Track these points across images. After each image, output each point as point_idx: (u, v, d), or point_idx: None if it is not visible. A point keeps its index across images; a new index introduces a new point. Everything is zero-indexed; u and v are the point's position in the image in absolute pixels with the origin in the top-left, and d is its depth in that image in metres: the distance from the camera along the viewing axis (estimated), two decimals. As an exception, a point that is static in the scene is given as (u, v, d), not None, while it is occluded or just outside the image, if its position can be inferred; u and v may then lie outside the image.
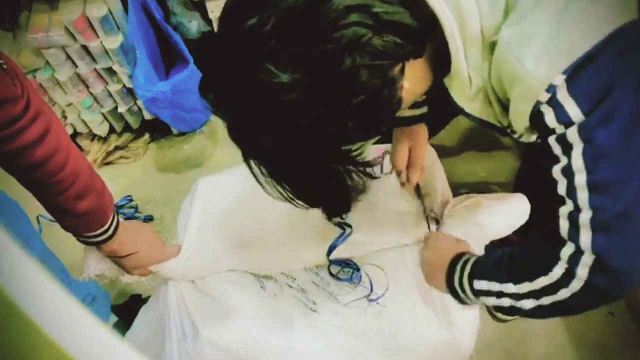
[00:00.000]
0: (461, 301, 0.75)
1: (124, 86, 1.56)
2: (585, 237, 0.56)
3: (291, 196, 0.63)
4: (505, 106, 0.62)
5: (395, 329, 0.88)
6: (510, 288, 0.65)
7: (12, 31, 1.41)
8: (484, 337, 0.96)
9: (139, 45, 1.34)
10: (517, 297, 0.65)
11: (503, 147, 1.64)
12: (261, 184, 0.63)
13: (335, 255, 0.96)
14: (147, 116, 1.67)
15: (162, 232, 1.60)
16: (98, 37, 1.39)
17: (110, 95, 1.59)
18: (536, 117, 0.56)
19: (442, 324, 0.89)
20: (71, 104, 1.57)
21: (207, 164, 1.75)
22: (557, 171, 0.57)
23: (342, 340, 0.88)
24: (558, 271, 0.59)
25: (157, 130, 1.79)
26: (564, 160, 0.55)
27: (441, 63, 0.62)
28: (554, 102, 0.53)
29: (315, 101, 0.53)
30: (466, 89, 0.63)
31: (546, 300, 0.61)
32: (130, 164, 1.78)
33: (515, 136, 0.64)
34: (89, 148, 1.75)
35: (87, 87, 1.54)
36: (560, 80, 0.52)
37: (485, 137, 1.66)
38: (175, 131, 1.78)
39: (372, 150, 1.09)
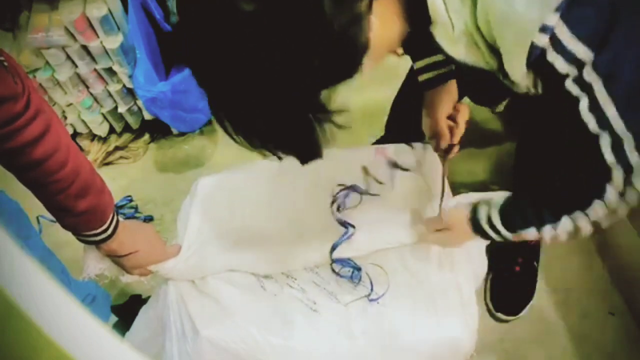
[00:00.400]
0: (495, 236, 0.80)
1: (124, 86, 1.56)
2: (635, 157, 0.56)
3: (261, 144, 0.60)
4: (493, 49, 0.61)
5: (395, 328, 0.88)
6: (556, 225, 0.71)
7: (12, 31, 1.41)
8: (484, 337, 0.96)
9: (139, 45, 1.34)
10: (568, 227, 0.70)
11: (502, 147, 1.64)
12: (231, 135, 0.60)
13: (336, 254, 0.96)
14: (147, 116, 1.67)
15: (162, 232, 1.60)
16: (98, 37, 1.39)
17: (110, 95, 1.59)
18: (539, 63, 0.55)
19: (442, 324, 0.89)
20: (71, 103, 1.57)
21: (207, 164, 1.75)
22: (583, 110, 0.56)
23: (342, 339, 0.88)
24: (611, 197, 0.61)
25: (157, 130, 1.79)
26: (584, 100, 0.56)
27: (417, 11, 0.60)
28: (558, 47, 0.53)
29: (278, 33, 0.50)
30: (449, 31, 0.61)
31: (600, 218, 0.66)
32: (130, 164, 1.78)
33: (507, 81, 0.63)
34: (89, 148, 1.75)
35: (87, 87, 1.54)
36: (554, 20, 0.51)
37: (485, 137, 1.66)
38: (175, 131, 1.77)
39: (372, 151, 1.09)
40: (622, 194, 0.61)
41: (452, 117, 0.94)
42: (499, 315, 1.35)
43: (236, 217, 1.00)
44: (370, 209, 1.00)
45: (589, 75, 0.54)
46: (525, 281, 1.37)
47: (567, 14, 0.51)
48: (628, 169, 0.58)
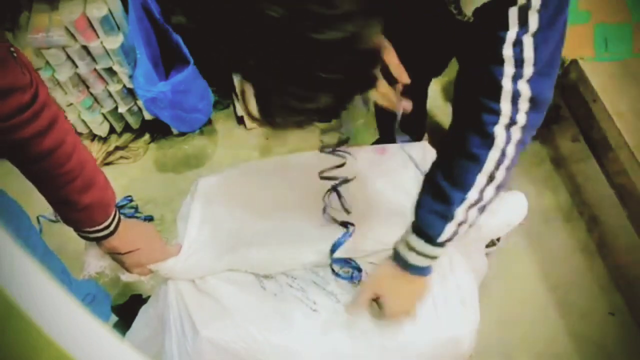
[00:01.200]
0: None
1: (124, 86, 1.56)
2: (524, 86, 0.65)
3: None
4: None
5: (395, 327, 0.88)
6: (466, 203, 0.74)
7: (12, 31, 1.41)
8: (483, 338, 0.96)
9: (139, 45, 1.34)
10: (479, 199, 0.74)
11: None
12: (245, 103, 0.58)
13: (337, 254, 0.96)
14: (147, 116, 1.67)
15: (162, 232, 1.60)
16: (98, 37, 1.39)
17: (110, 95, 1.59)
18: None
19: (441, 322, 0.89)
20: (71, 104, 1.57)
21: (207, 164, 1.75)
22: (509, 38, 0.62)
23: (342, 339, 0.88)
24: (499, 132, 0.68)
25: (157, 130, 1.79)
26: (513, 30, 0.62)
27: None
28: None
29: (303, 41, 0.48)
30: None
31: (501, 170, 0.71)
32: (130, 164, 1.78)
33: (455, 11, 0.67)
34: (89, 148, 1.75)
35: (87, 87, 1.54)
36: None
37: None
38: (175, 131, 1.78)
39: (370, 149, 1.10)
40: (506, 129, 0.68)
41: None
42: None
43: (236, 216, 1.00)
44: (370, 209, 1.00)
45: (533, 13, 0.60)
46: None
47: None
48: (516, 100, 0.66)
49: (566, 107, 1.53)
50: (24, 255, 0.25)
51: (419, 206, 0.79)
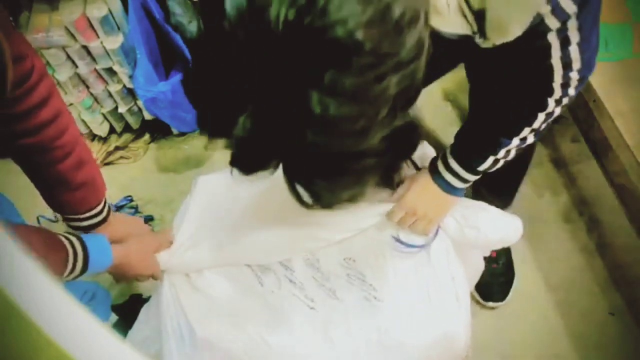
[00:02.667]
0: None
1: (124, 86, 1.56)
2: (575, 76, 0.75)
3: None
4: (477, 14, 0.68)
5: (391, 324, 0.89)
6: (510, 146, 0.84)
7: (12, 31, 1.41)
8: (481, 338, 0.97)
9: (139, 45, 1.34)
10: (520, 144, 0.85)
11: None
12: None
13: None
14: (147, 116, 1.67)
15: (162, 232, 1.60)
16: (98, 37, 1.39)
17: (110, 95, 1.59)
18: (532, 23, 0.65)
19: (437, 318, 0.89)
20: (71, 104, 1.57)
21: (207, 164, 1.75)
22: (555, 53, 0.71)
23: (340, 336, 0.88)
24: (551, 107, 0.79)
25: (157, 130, 1.79)
26: (556, 45, 0.70)
27: None
28: (556, 9, 0.64)
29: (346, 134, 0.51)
30: (444, 12, 0.66)
31: (545, 125, 0.83)
32: (130, 164, 1.78)
33: (479, 40, 0.71)
34: (89, 148, 1.75)
35: (87, 87, 1.54)
36: None
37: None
38: (175, 131, 1.77)
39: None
40: (558, 102, 0.80)
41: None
42: (489, 304, 1.38)
43: (234, 212, 1.00)
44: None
45: (571, 23, 0.67)
46: (505, 272, 1.43)
47: None
48: (568, 86, 0.77)
49: (566, 107, 1.53)
50: (24, 255, 0.25)
51: (465, 140, 0.90)
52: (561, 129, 1.67)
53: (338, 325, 0.89)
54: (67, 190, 0.78)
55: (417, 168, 1.00)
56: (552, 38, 0.70)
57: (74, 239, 0.74)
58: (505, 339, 1.34)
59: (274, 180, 1.04)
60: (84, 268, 0.75)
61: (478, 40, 0.72)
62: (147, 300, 1.06)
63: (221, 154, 1.76)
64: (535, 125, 0.82)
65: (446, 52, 0.75)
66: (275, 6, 0.45)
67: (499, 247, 1.02)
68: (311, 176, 0.55)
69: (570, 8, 0.65)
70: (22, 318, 0.24)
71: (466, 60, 1.03)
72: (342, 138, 0.51)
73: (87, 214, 0.81)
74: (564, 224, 1.54)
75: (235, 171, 0.61)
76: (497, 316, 1.39)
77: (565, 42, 0.70)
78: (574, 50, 0.71)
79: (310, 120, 0.49)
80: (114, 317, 1.31)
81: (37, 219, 1.54)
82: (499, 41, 0.70)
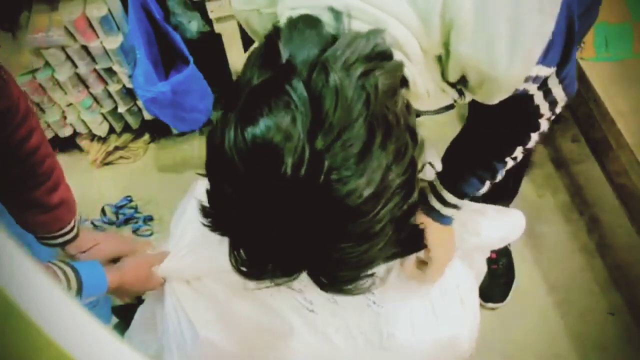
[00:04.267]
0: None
1: (124, 86, 1.56)
2: (560, 94, 0.74)
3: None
4: (457, 87, 0.69)
5: (393, 328, 0.88)
6: (503, 169, 0.84)
7: (12, 31, 1.41)
8: (483, 338, 0.96)
9: (139, 45, 1.34)
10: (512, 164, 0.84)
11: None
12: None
13: None
14: (147, 116, 1.67)
15: (162, 232, 1.60)
16: (98, 37, 1.39)
17: (110, 95, 1.59)
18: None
19: (440, 322, 0.89)
20: (71, 103, 1.57)
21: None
22: (538, 99, 0.73)
23: (340, 340, 0.88)
24: (544, 127, 0.80)
25: (157, 130, 1.79)
26: (539, 94, 0.72)
27: None
28: (535, 80, 0.64)
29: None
30: (424, 97, 0.66)
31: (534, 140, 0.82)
32: (130, 164, 1.78)
33: (459, 100, 0.72)
34: (89, 148, 1.75)
35: (87, 87, 1.54)
36: (535, 70, 0.62)
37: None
38: (175, 131, 1.77)
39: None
40: (549, 120, 0.80)
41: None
42: (489, 305, 1.38)
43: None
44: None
45: (552, 80, 0.69)
46: (505, 273, 1.43)
47: (543, 60, 0.61)
48: (554, 110, 0.77)
49: (566, 107, 1.53)
50: (24, 255, 0.25)
51: (458, 170, 0.86)
52: (561, 129, 1.67)
53: (339, 328, 0.88)
54: (43, 212, 0.79)
55: None
56: (534, 91, 0.71)
57: (67, 268, 0.75)
58: (505, 338, 1.34)
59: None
60: (78, 296, 0.76)
61: (461, 101, 0.73)
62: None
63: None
64: (528, 144, 0.83)
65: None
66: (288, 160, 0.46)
67: (502, 245, 1.01)
68: (333, 285, 0.58)
69: (546, 72, 0.65)
70: (22, 318, 0.24)
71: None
72: (357, 267, 0.55)
73: (62, 231, 0.82)
74: (564, 224, 1.54)
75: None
76: (497, 316, 1.39)
77: (547, 92, 0.72)
78: (557, 93, 0.73)
79: (331, 263, 0.53)
80: (113, 319, 1.31)
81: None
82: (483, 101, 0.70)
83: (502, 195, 1.33)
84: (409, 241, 0.58)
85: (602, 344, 1.32)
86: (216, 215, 0.58)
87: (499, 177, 0.86)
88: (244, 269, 0.60)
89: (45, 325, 0.24)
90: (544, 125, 0.80)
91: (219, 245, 0.95)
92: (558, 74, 0.68)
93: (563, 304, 1.39)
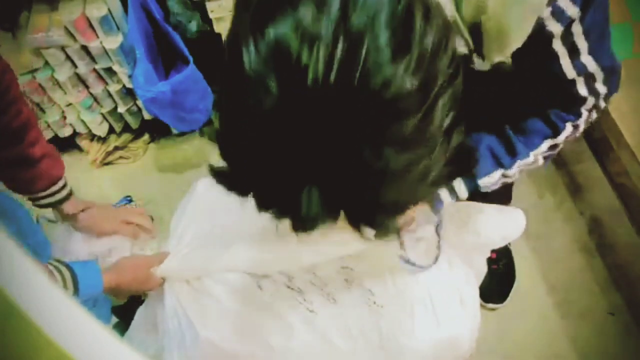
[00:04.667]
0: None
1: (124, 86, 1.56)
2: (602, 88, 0.73)
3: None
4: (473, 33, 0.66)
5: (393, 328, 0.88)
6: (525, 160, 0.78)
7: (12, 31, 1.41)
8: (483, 338, 0.96)
9: (139, 45, 1.34)
10: (534, 161, 0.78)
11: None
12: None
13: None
14: (147, 116, 1.67)
15: (162, 232, 1.60)
16: (97, 37, 1.39)
17: (110, 95, 1.59)
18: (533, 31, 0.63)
19: (440, 322, 0.89)
20: (70, 103, 1.57)
21: (207, 164, 1.75)
22: (565, 63, 0.68)
23: (340, 340, 0.88)
24: (584, 116, 0.75)
25: (157, 130, 1.79)
26: (564, 55, 0.67)
27: None
28: (557, 12, 0.62)
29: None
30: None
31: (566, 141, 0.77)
32: (129, 164, 1.78)
33: (477, 61, 0.69)
34: (88, 148, 1.74)
35: (87, 87, 1.54)
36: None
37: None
38: (175, 131, 1.77)
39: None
40: (589, 111, 0.76)
41: None
42: (489, 305, 1.38)
43: (234, 218, 1.00)
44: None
45: (576, 28, 0.64)
46: (505, 273, 1.43)
47: None
48: (597, 96, 0.74)
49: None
50: (24, 255, 0.25)
51: (476, 141, 0.80)
52: (561, 129, 1.67)
53: (339, 328, 0.88)
54: (30, 166, 0.82)
55: None
56: (558, 46, 0.66)
57: (63, 268, 0.76)
58: (505, 338, 1.34)
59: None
60: (75, 295, 0.77)
61: (477, 61, 0.69)
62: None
63: (221, 154, 1.76)
64: (559, 137, 0.77)
65: None
66: (313, 68, 0.41)
67: (502, 244, 1.00)
68: (377, 218, 0.52)
69: (572, 10, 0.62)
70: (22, 318, 0.24)
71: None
72: (408, 181, 0.48)
73: (54, 189, 0.86)
74: (564, 224, 1.54)
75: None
76: (498, 316, 1.39)
77: (574, 50, 0.66)
78: (586, 60, 0.68)
79: (374, 177, 0.46)
80: (113, 319, 1.31)
81: (37, 219, 1.54)
82: (497, 58, 0.67)
83: (499, 193, 1.32)
84: (460, 159, 0.53)
85: (602, 344, 1.32)
86: (239, 155, 0.52)
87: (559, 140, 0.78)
88: (277, 209, 0.54)
89: (45, 325, 0.24)
90: (584, 113, 0.75)
91: (219, 245, 0.96)
92: (582, 20, 0.63)
93: (563, 304, 1.39)
